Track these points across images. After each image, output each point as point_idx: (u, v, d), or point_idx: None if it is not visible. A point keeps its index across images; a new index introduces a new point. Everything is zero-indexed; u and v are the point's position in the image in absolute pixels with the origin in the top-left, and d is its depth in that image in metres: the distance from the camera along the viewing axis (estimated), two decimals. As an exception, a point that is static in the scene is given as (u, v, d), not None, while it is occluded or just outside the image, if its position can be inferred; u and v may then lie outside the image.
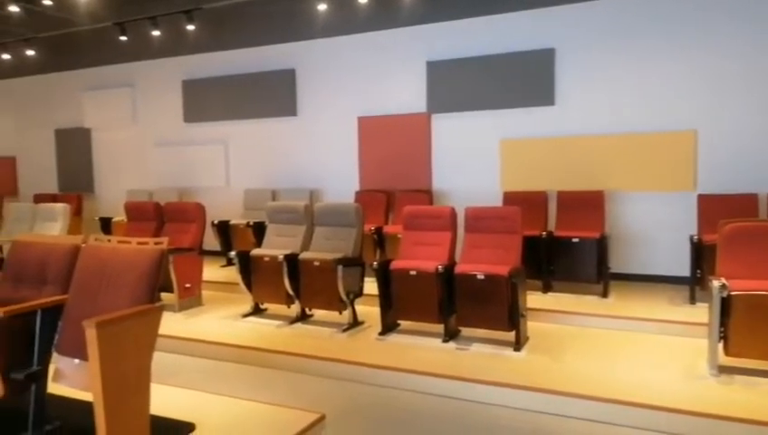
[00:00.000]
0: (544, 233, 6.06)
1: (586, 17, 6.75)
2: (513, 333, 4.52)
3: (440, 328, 4.74)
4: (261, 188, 8.69)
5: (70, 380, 2.84)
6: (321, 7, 6.59)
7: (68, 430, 3.00)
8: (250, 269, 5.44)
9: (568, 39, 6.85)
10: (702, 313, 4.40)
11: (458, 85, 7.41)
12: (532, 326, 4.90)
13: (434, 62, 7.54)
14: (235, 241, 7.88)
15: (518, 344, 4.49)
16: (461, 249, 4.99)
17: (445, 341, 4.67)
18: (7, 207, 7.90)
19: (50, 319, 2.90)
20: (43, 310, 2.87)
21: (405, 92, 7.79)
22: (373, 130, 8.02)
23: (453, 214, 5.07)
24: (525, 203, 6.01)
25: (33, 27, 8.75)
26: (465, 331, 4.85)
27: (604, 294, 5.85)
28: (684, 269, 5.76)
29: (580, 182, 6.71)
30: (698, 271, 5.46)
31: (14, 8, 7.31)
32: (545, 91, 6.95)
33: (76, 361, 2.79)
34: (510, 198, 6.80)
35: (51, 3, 7.01)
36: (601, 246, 5.88)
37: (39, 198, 9.58)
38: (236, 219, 8.11)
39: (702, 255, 5.35)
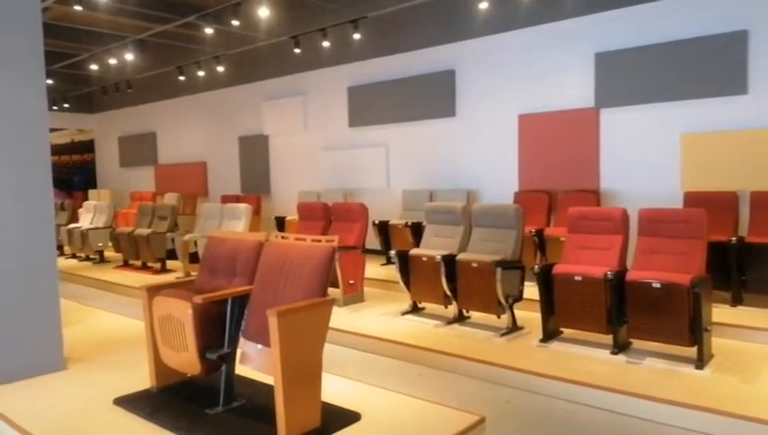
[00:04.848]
0: (734, 238, 5.37)
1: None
2: (694, 349, 4.07)
3: (608, 339, 4.43)
4: (419, 189, 8.86)
5: (253, 363, 3.15)
6: (483, 6, 6.53)
7: (251, 408, 3.31)
8: (408, 268, 5.57)
9: (766, 18, 6.00)
10: None
11: (632, 77, 6.87)
12: (717, 342, 4.38)
13: (603, 53, 7.08)
14: (393, 240, 8.13)
15: (701, 361, 4.03)
16: (633, 255, 4.62)
17: (614, 352, 4.35)
18: (200, 206, 8.99)
19: (238, 307, 3.23)
20: (232, 299, 3.21)
21: (570, 87, 7.42)
22: (534, 128, 7.76)
23: (624, 216, 4.71)
24: (711, 205, 5.39)
25: (222, 46, 9.88)
26: (638, 343, 4.47)
27: (811, 312, 5.03)
28: None
29: (781, 181, 5.85)
30: None
31: (209, 30, 8.31)
32: (736, 79, 6.17)
33: (259, 346, 3.08)
34: (692, 198, 6.14)
35: (238, 23, 7.84)
36: (808, 256, 5.06)
37: (225, 199, 10.77)
38: (395, 219, 8.36)
39: None
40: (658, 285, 4.09)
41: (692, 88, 6.46)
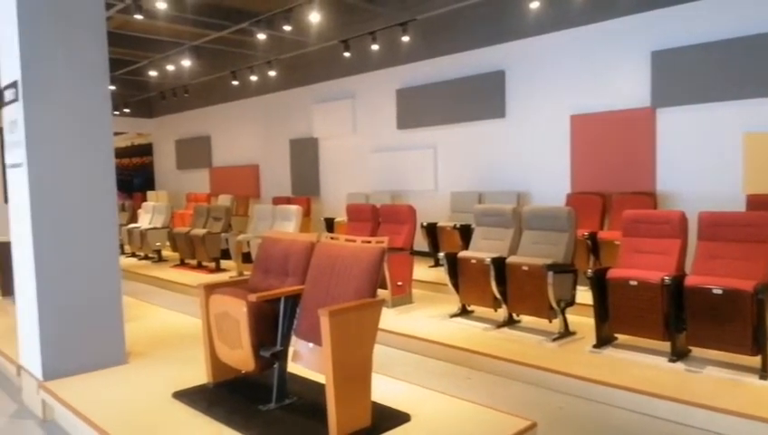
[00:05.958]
0: (802, 244, 5.10)
1: None
2: (758, 358, 3.89)
3: (666, 346, 4.29)
4: (467, 190, 8.80)
5: (305, 361, 3.21)
6: (534, 5, 6.44)
7: (303, 405, 3.38)
8: (457, 271, 5.54)
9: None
10: None
11: (690, 75, 6.63)
12: (783, 353, 4.17)
13: (660, 51, 6.86)
14: (442, 243, 8.11)
15: (765, 371, 3.85)
16: (692, 259, 4.45)
17: (671, 360, 4.21)
18: (253, 208, 9.21)
19: (291, 306, 3.30)
20: (285, 298, 3.28)
21: (624, 87, 7.23)
22: (587, 129, 7.58)
23: (683, 219, 4.55)
24: (776, 208, 5.14)
25: (274, 51, 10.10)
26: (697, 351, 4.31)
27: None
28: None
29: None
30: None
31: (261, 36, 8.52)
32: (805, 76, 5.87)
33: (311, 344, 3.14)
34: (755, 201, 5.87)
35: (290, 28, 8.00)
36: None
37: (277, 201, 11.00)
38: (444, 221, 8.32)
39: None
40: (720, 291, 3.93)
41: (754, 86, 6.18)
